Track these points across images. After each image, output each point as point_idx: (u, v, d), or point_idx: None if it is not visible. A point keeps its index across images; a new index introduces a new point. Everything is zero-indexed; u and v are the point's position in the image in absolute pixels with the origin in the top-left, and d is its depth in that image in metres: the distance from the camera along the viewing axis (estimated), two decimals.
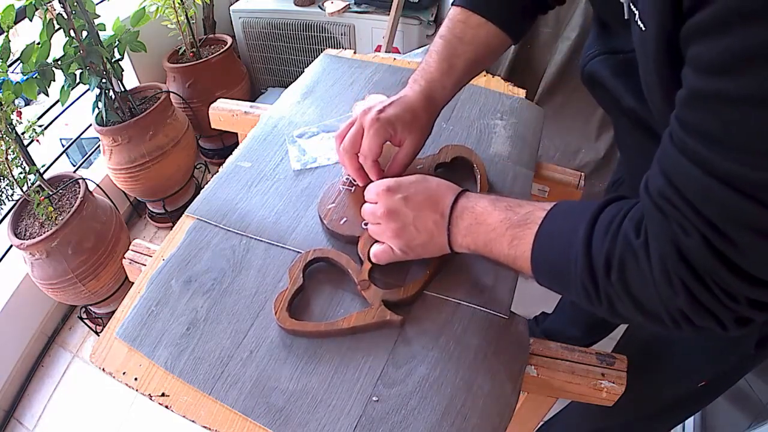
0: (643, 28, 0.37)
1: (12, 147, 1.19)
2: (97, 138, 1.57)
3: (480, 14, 0.62)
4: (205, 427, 0.50)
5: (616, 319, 0.42)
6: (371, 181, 0.61)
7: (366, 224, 0.61)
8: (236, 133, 0.94)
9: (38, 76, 1.22)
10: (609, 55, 0.54)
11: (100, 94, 1.44)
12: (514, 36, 0.65)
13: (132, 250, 0.68)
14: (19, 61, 1.20)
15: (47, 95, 1.27)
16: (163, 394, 0.52)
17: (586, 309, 0.44)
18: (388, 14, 1.75)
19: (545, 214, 0.45)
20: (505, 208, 0.48)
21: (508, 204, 0.49)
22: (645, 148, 0.51)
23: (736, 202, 0.30)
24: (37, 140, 1.27)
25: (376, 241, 0.58)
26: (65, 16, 1.25)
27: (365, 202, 0.59)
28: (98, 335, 1.52)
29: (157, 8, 1.61)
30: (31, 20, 1.19)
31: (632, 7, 0.39)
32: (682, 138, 0.32)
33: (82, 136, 1.73)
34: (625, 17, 0.40)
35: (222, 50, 1.83)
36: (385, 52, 1.77)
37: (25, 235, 1.27)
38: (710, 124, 0.30)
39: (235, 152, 0.76)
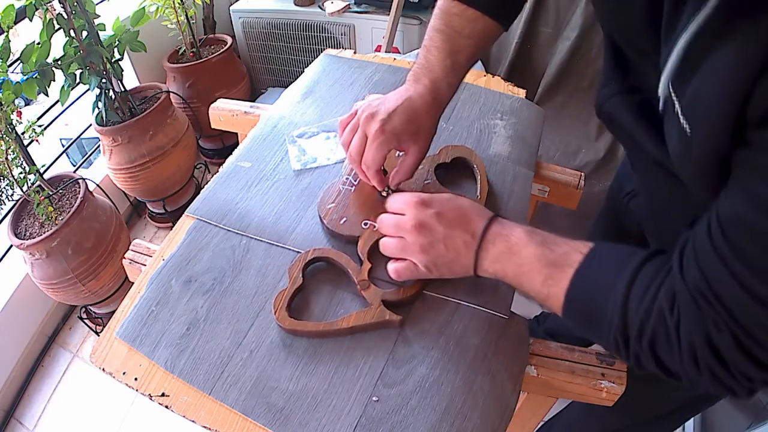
0: (689, 132, 0.34)
1: (12, 147, 1.19)
2: (97, 138, 1.57)
3: (476, 8, 0.61)
4: (205, 427, 0.50)
5: (637, 370, 0.44)
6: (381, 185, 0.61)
7: (366, 224, 0.61)
8: (236, 133, 0.94)
9: (38, 76, 1.22)
10: (627, 95, 0.50)
11: (100, 94, 1.44)
12: (506, 25, 0.64)
13: (132, 250, 0.68)
14: (19, 61, 1.20)
15: (47, 95, 1.27)
16: (163, 394, 0.52)
17: None
18: (388, 14, 1.75)
19: (582, 258, 0.44)
20: (541, 242, 0.47)
21: (544, 239, 0.48)
22: (667, 184, 0.50)
23: None
24: (37, 140, 1.27)
25: (376, 241, 0.58)
26: (65, 16, 1.25)
27: (365, 201, 0.58)
28: (98, 335, 1.52)
29: (157, 8, 1.61)
30: (31, 20, 1.19)
31: (673, 96, 0.35)
32: (725, 253, 0.33)
33: (82, 136, 1.73)
34: (659, 109, 0.38)
35: (222, 50, 1.83)
36: (385, 52, 1.77)
37: (25, 235, 1.27)
38: (758, 255, 0.31)
39: (235, 152, 0.76)
